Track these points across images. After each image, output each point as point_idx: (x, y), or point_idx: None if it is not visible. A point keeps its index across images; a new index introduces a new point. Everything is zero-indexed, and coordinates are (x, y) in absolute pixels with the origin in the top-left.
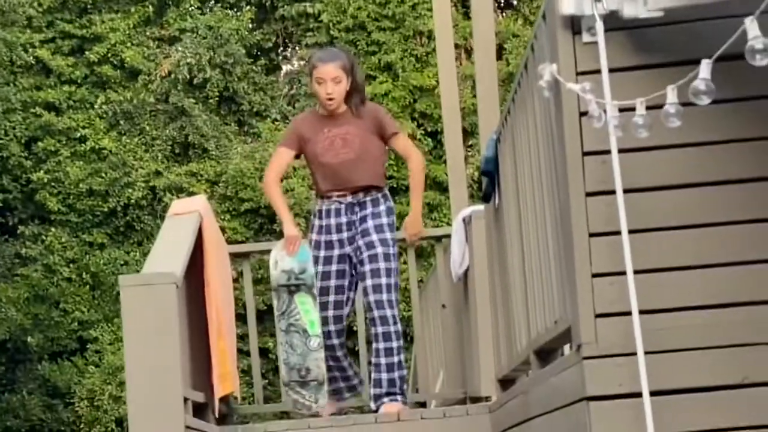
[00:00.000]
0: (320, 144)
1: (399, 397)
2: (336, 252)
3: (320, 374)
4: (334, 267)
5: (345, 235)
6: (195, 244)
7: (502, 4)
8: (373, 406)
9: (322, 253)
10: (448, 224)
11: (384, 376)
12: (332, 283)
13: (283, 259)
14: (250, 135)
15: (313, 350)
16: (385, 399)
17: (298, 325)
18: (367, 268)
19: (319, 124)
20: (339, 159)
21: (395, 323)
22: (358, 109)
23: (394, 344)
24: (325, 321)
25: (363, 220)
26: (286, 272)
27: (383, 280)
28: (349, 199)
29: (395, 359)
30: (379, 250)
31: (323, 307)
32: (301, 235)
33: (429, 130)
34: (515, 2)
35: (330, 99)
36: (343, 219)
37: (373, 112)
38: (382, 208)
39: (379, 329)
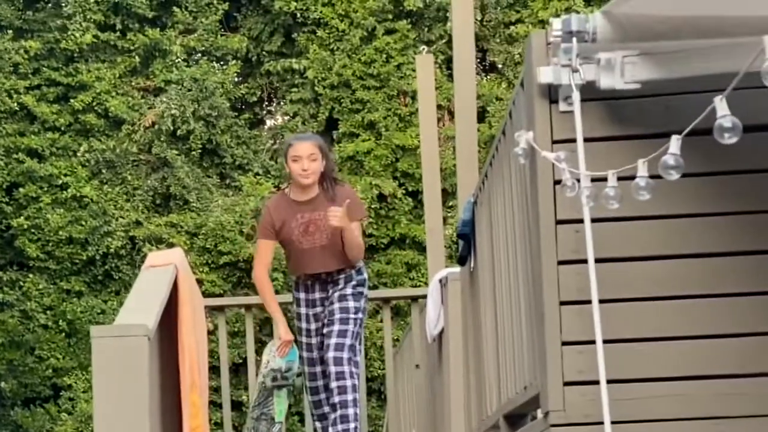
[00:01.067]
0: (295, 230)
1: None
2: (313, 326)
3: None
4: (314, 340)
5: (318, 310)
6: (170, 297)
7: (486, 67)
8: None
9: (303, 325)
10: (426, 284)
11: (339, 428)
12: (313, 329)
13: (274, 359)
14: (232, 188)
15: None
16: None
17: (269, 414)
18: (325, 330)
19: (291, 210)
20: (315, 244)
21: (352, 378)
22: (332, 191)
23: (349, 397)
24: (313, 376)
25: (333, 293)
26: (274, 371)
27: (345, 340)
28: (323, 277)
29: (350, 412)
30: (338, 315)
31: (308, 348)
32: (292, 339)
33: (410, 189)
34: (499, 66)
35: (305, 173)
36: (317, 295)
37: (346, 194)
38: (353, 282)
39: (334, 384)
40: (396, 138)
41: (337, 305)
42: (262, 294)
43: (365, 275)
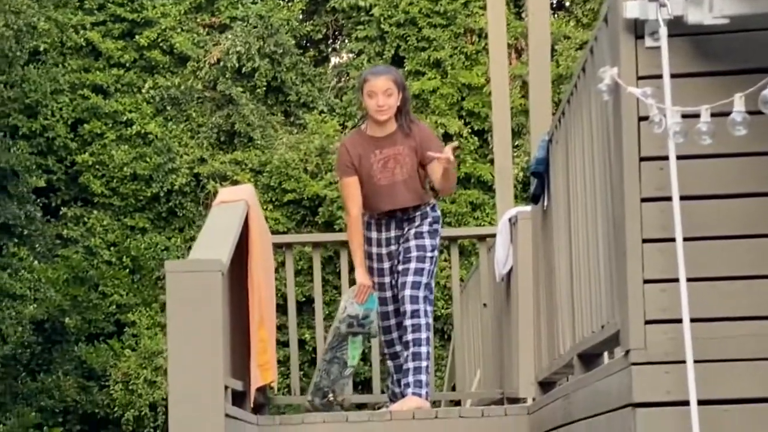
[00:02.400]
0: (374, 166)
1: (422, 391)
2: (386, 265)
3: (345, 398)
4: (387, 279)
5: (393, 248)
6: (240, 233)
7: (554, 6)
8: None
9: (375, 265)
10: (491, 224)
11: (411, 365)
12: (386, 268)
13: (352, 305)
14: (296, 126)
15: (344, 377)
16: (408, 391)
17: (341, 358)
18: (401, 267)
19: (369, 145)
20: (392, 180)
21: (426, 316)
22: (408, 126)
23: (423, 335)
24: (386, 316)
25: (408, 231)
26: (351, 317)
27: (421, 279)
28: (399, 215)
29: (423, 350)
30: (414, 254)
31: (380, 288)
32: (371, 285)
33: (475, 128)
34: (567, 4)
35: (381, 109)
36: (392, 233)
37: (422, 131)
38: (428, 219)
39: (408, 322)
40: (462, 76)
41: (413, 242)
42: (351, 235)
43: (439, 213)
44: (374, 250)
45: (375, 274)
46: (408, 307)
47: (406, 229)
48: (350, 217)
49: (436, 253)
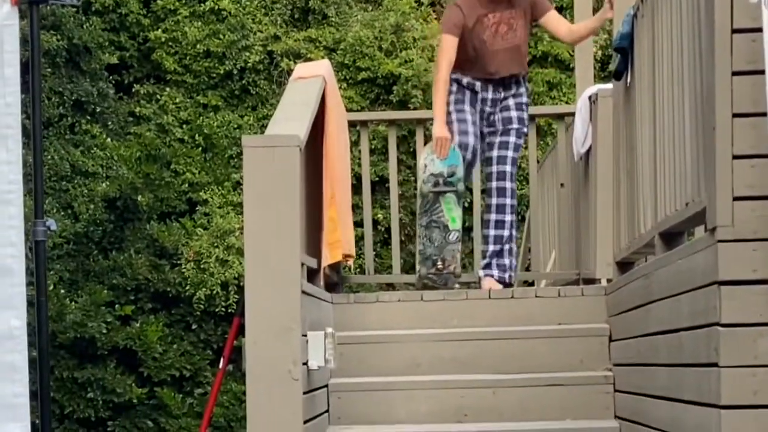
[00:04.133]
0: (488, 29)
1: (496, 273)
2: (472, 128)
3: (456, 266)
4: (471, 140)
5: (489, 109)
6: (317, 110)
7: None
8: (481, 273)
9: (460, 127)
10: (567, 103)
11: (491, 248)
12: (471, 141)
13: (433, 162)
14: (371, 3)
15: (451, 243)
16: (490, 272)
17: (440, 221)
18: (498, 139)
19: (481, 8)
20: (504, 46)
21: (512, 197)
22: None
23: (507, 218)
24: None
25: (506, 99)
26: (435, 176)
27: (510, 153)
28: (496, 80)
29: (505, 234)
30: (515, 125)
31: (465, 147)
32: (450, 138)
33: (554, 4)
34: None
35: None
36: (489, 95)
37: None
38: (523, 89)
39: (494, 200)
40: None
41: (515, 114)
42: (437, 90)
43: (529, 84)
44: (467, 108)
45: (457, 133)
46: (494, 184)
47: (503, 95)
48: (440, 72)
49: (526, 128)
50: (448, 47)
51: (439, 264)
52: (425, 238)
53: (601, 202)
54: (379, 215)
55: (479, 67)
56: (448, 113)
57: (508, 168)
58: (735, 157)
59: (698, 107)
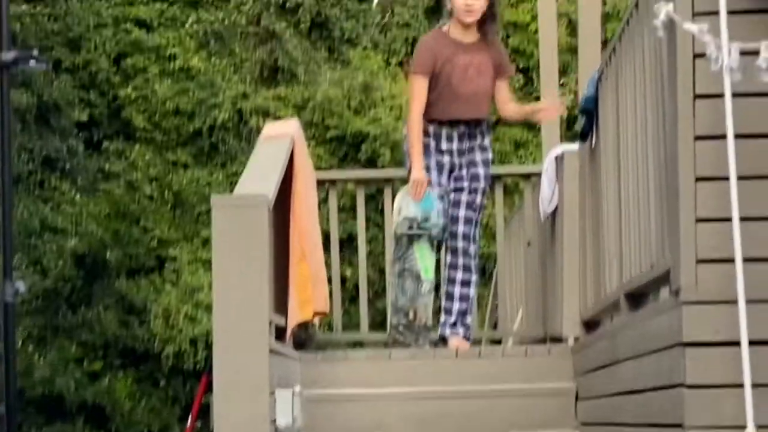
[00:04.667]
0: (456, 71)
1: (462, 331)
2: (444, 178)
3: (427, 318)
4: (437, 190)
5: (456, 161)
6: (285, 168)
7: None
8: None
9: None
10: (534, 162)
11: (456, 306)
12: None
13: (408, 205)
14: (340, 62)
15: (423, 294)
16: (456, 330)
17: (413, 269)
18: (465, 198)
19: (452, 49)
20: (472, 89)
21: (476, 257)
22: (491, 38)
23: (473, 278)
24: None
25: (471, 150)
26: (409, 220)
27: (476, 216)
28: (462, 128)
29: (471, 292)
30: (482, 185)
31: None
32: (427, 180)
33: (521, 66)
34: None
35: (469, 10)
36: (455, 146)
37: (500, 47)
38: (487, 141)
39: (461, 260)
40: (508, 14)
41: (481, 171)
42: (412, 131)
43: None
44: (434, 159)
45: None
46: (461, 244)
47: (468, 145)
48: (413, 113)
49: (487, 185)
50: (419, 88)
51: (411, 316)
52: (398, 287)
53: (568, 261)
54: (348, 272)
55: (446, 109)
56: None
57: (474, 230)
58: (698, 220)
59: (662, 170)
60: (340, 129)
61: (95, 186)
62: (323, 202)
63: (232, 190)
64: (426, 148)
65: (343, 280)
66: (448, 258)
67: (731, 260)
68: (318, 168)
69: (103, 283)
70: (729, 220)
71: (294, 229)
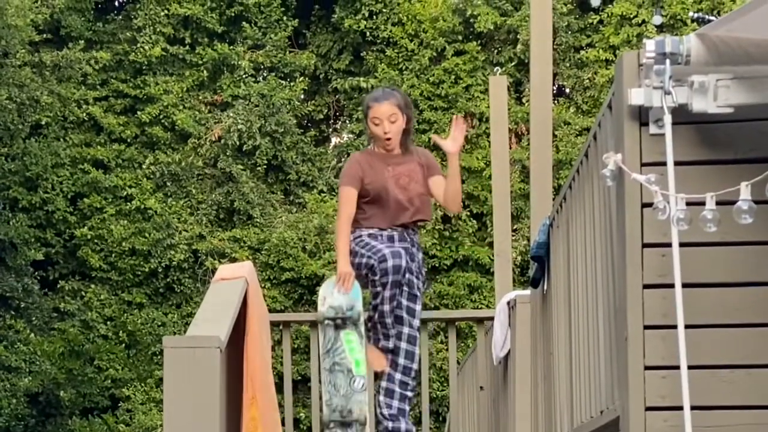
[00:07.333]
0: (389, 181)
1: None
2: (389, 291)
3: (362, 415)
4: (388, 293)
5: (403, 262)
6: (239, 310)
7: (554, 92)
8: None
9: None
10: (488, 307)
11: (397, 405)
12: (387, 307)
13: (332, 295)
14: (296, 205)
15: (357, 391)
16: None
17: (343, 364)
18: (406, 303)
19: (380, 162)
20: (408, 195)
21: (413, 390)
22: (409, 148)
23: (413, 383)
24: (381, 314)
25: (412, 258)
26: (334, 308)
27: (417, 322)
28: (401, 231)
29: (410, 394)
30: (417, 293)
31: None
32: (353, 273)
33: (474, 211)
34: (567, 90)
35: (388, 138)
36: (397, 245)
37: (422, 152)
38: (417, 246)
39: (403, 361)
40: (462, 160)
41: (415, 280)
42: (340, 233)
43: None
44: (376, 243)
45: (377, 286)
46: (405, 346)
47: (408, 246)
48: (342, 216)
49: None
50: (348, 196)
51: (345, 413)
52: (329, 384)
53: (520, 404)
54: (302, 414)
55: (391, 218)
56: (362, 247)
57: (417, 333)
58: (647, 368)
59: (611, 317)
60: (295, 271)
61: (50, 325)
62: (277, 343)
63: (186, 332)
64: (360, 239)
65: (297, 422)
66: (392, 357)
67: (680, 408)
68: (273, 310)
69: (56, 422)
70: (677, 368)
71: (247, 372)
